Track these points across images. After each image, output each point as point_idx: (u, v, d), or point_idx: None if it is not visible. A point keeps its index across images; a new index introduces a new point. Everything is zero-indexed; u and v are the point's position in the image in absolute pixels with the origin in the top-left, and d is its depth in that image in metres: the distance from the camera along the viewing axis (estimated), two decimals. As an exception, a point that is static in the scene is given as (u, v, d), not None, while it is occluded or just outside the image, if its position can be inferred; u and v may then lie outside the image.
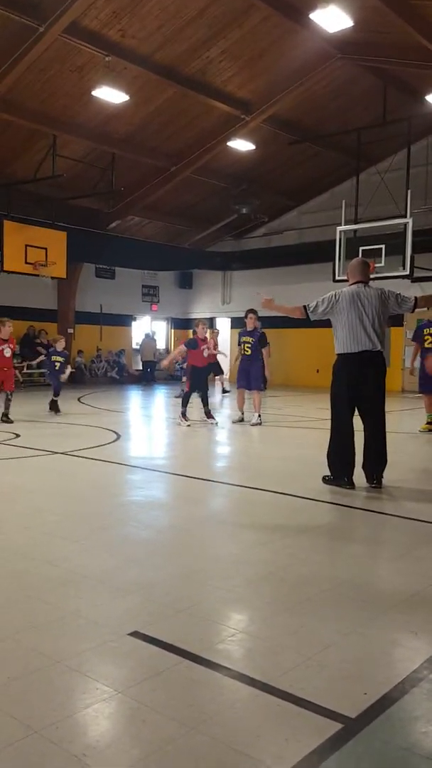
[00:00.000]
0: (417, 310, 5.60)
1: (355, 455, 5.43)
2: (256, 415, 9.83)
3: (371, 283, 5.63)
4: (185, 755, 1.87)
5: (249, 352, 10.06)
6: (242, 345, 10.12)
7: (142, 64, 11.97)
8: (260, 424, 9.71)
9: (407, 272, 13.96)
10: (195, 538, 4.02)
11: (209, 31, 11.34)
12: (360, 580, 3.30)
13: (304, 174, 17.89)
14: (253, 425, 9.65)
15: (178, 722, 2.02)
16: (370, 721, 2.02)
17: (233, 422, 10.08)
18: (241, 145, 15.33)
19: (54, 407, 10.78)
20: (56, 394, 10.89)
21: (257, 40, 11.80)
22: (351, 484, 5.35)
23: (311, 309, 5.64)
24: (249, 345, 10.05)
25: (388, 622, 2.80)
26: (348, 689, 2.22)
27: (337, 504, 4.89)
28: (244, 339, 10.12)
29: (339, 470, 5.42)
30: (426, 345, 9.20)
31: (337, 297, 5.49)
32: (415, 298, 5.49)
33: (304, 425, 10.33)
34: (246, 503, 5.07)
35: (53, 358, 11.03)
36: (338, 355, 5.48)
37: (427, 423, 9.31)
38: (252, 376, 10.01)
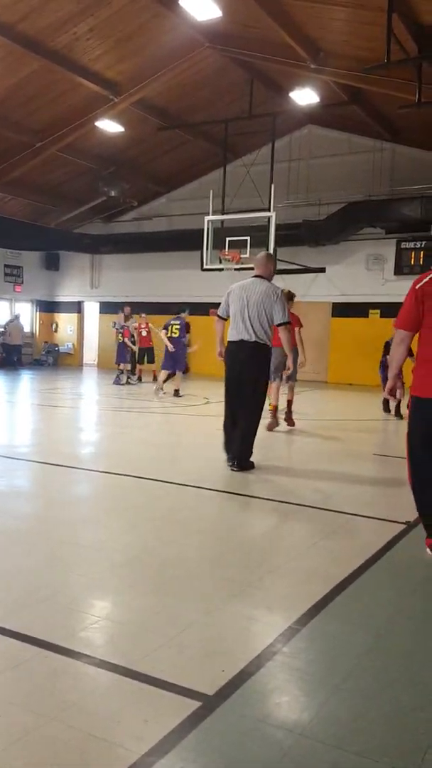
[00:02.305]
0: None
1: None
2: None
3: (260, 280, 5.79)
4: (45, 746, 1.85)
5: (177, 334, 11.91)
6: (170, 327, 11.96)
7: (5, 34, 11.36)
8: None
9: (271, 264, 14.44)
10: (58, 525, 3.95)
11: (76, 6, 10.98)
12: (221, 559, 3.42)
13: (173, 161, 17.90)
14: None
15: (38, 713, 1.99)
16: (227, 696, 2.11)
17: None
18: (110, 126, 15.04)
19: None
20: None
21: (127, 21, 11.60)
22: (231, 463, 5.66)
23: (220, 313, 5.90)
24: (177, 328, 11.91)
25: (246, 599, 2.93)
26: (207, 667, 2.30)
27: (200, 488, 5.00)
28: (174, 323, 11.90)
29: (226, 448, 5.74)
30: None
31: (229, 290, 5.78)
32: (283, 324, 5.67)
33: (173, 411, 10.43)
34: (111, 489, 5.04)
35: None
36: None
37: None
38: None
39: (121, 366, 15.16)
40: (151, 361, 15.86)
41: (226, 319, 5.86)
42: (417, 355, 3.48)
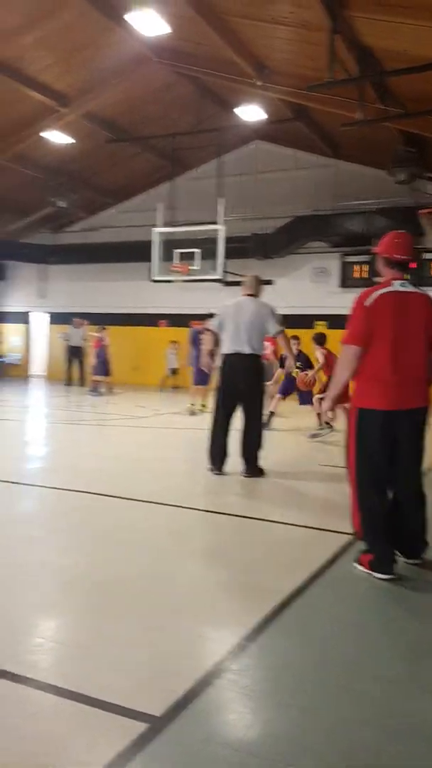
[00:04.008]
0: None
1: (222, 446, 6.08)
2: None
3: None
4: (-14, 778, 1.81)
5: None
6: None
7: None
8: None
9: (219, 276, 14.58)
10: (1, 545, 3.86)
11: (23, 17, 10.88)
12: (167, 577, 3.40)
13: (122, 173, 17.88)
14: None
15: (-21, 744, 1.94)
16: (174, 717, 2.11)
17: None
18: (58, 137, 14.93)
19: None
20: None
21: (75, 33, 11.56)
22: (218, 470, 6.05)
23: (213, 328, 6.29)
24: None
25: (194, 616, 2.93)
26: (154, 687, 2.29)
27: (147, 502, 4.97)
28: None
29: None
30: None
31: (224, 307, 6.26)
32: (281, 331, 6.15)
33: (123, 423, 10.35)
34: (58, 506, 4.96)
35: None
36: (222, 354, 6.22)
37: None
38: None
39: (99, 378, 14.97)
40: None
41: (216, 334, 6.30)
42: (363, 370, 3.49)
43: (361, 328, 3.44)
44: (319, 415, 9.03)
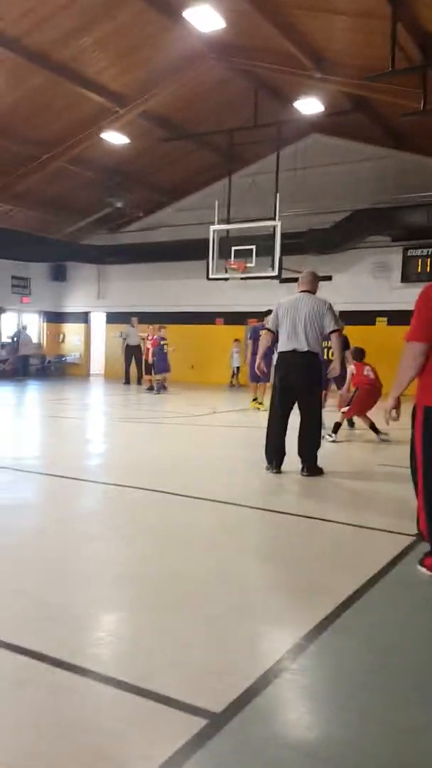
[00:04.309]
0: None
1: (279, 444, 6.03)
2: None
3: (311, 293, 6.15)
4: (50, 765, 1.84)
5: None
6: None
7: (11, 48, 11.48)
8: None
9: (276, 273, 14.48)
10: (64, 540, 3.94)
11: (81, 19, 11.08)
12: (224, 574, 3.39)
13: (178, 171, 17.99)
14: None
15: (43, 732, 1.98)
16: (234, 714, 2.09)
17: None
18: (115, 138, 15.15)
19: None
20: None
21: (131, 33, 11.70)
22: (276, 469, 6.00)
23: (270, 327, 6.22)
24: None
25: (251, 614, 2.91)
26: (213, 684, 2.28)
27: (204, 499, 4.97)
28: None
29: (268, 455, 6.08)
30: None
31: (278, 305, 6.15)
32: (336, 331, 6.04)
33: (181, 422, 10.43)
34: (118, 502, 5.03)
35: None
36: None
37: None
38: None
39: (160, 376, 15.17)
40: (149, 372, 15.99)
41: (274, 333, 6.19)
42: (429, 367, 3.31)
43: (426, 323, 3.29)
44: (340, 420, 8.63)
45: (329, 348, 7.72)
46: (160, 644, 2.58)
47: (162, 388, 15.09)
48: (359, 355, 8.61)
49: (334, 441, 8.18)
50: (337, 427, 8.35)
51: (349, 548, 3.96)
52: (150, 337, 15.48)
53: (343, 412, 8.42)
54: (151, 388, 15.47)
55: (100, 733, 1.99)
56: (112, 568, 3.45)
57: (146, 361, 15.89)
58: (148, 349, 15.68)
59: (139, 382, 17.08)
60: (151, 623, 2.79)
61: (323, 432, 8.03)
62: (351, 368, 8.47)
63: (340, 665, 2.48)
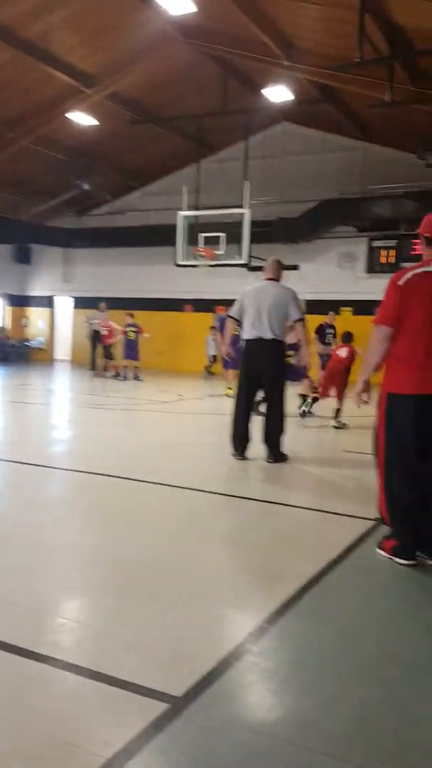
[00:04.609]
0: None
1: (244, 431, 6.06)
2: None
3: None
4: (10, 752, 1.83)
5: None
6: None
7: (-25, 22, 11.16)
8: None
9: (245, 261, 14.48)
10: (27, 527, 3.90)
11: (50, -4, 10.84)
12: (188, 559, 3.41)
13: (147, 155, 17.79)
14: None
15: (3, 718, 1.97)
16: (195, 698, 2.11)
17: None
18: (83, 119, 14.89)
19: None
20: None
21: (101, 13, 11.47)
22: (241, 455, 6.05)
23: (233, 315, 6.21)
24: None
25: (214, 599, 2.93)
26: (175, 668, 2.29)
27: (169, 485, 4.98)
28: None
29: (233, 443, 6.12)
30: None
31: (243, 293, 6.17)
32: (301, 319, 6.10)
33: (147, 408, 10.39)
34: (83, 488, 5.00)
35: None
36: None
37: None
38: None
39: (125, 362, 15.07)
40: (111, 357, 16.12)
41: (237, 321, 6.20)
42: (394, 352, 3.40)
43: (393, 308, 3.35)
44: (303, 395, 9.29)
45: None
46: (122, 630, 2.58)
47: (125, 377, 14.97)
48: (345, 338, 8.98)
49: (307, 414, 8.78)
50: (314, 401, 8.97)
51: (312, 533, 4.01)
52: (101, 323, 15.56)
53: (317, 389, 8.88)
54: (117, 375, 15.39)
55: (61, 720, 1.98)
56: (76, 555, 3.43)
57: (106, 347, 15.93)
58: (105, 336, 15.68)
59: (105, 368, 16.95)
60: (113, 609, 2.78)
61: (334, 423, 8.28)
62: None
63: (301, 648, 2.51)
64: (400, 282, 3.35)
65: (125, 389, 13.05)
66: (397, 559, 3.40)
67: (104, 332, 16.00)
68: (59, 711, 2.03)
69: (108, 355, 16.22)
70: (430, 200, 13.98)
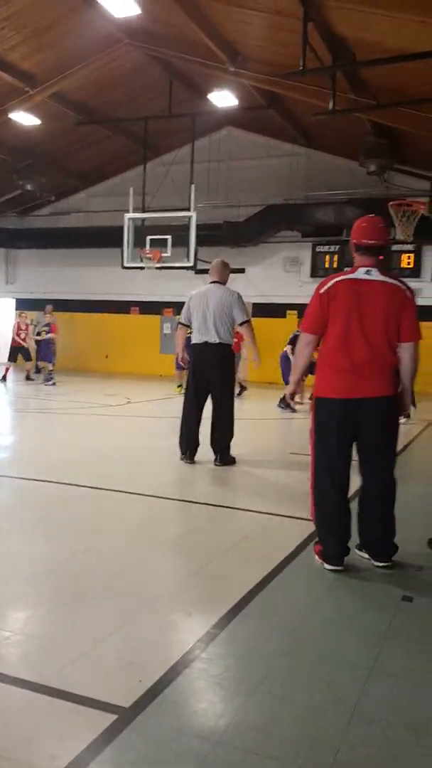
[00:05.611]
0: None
1: (193, 435, 6.09)
2: None
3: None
4: None
5: None
6: None
7: None
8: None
9: (191, 264, 14.50)
10: (-31, 537, 3.80)
11: (-9, -8, 10.60)
12: (136, 567, 3.39)
13: (92, 156, 17.61)
14: None
15: None
16: (143, 708, 2.10)
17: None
18: (25, 118, 14.61)
19: None
20: None
21: (44, 12, 11.28)
22: (189, 459, 6.08)
23: (182, 320, 6.21)
24: None
25: (163, 606, 2.92)
26: (123, 679, 2.28)
27: (116, 491, 4.94)
28: None
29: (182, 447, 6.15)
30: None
31: (189, 297, 6.14)
32: (246, 322, 6.10)
33: (93, 412, 10.27)
34: (29, 496, 4.90)
35: None
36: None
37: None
38: None
39: (43, 364, 14.67)
40: (28, 359, 15.40)
41: (188, 326, 6.20)
42: (320, 356, 3.52)
43: (315, 315, 3.46)
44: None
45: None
46: (70, 641, 2.55)
47: (48, 378, 14.32)
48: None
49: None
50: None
51: (259, 536, 4.05)
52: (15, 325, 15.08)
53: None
54: (28, 378, 14.97)
55: (5, 735, 1.94)
56: (20, 564, 3.37)
57: (20, 347, 15.13)
58: (16, 337, 15.08)
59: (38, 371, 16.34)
60: (60, 620, 2.74)
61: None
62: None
63: (249, 652, 2.54)
64: (322, 291, 3.45)
65: (70, 393, 12.86)
66: (325, 564, 3.44)
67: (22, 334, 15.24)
68: (4, 726, 1.99)
69: (27, 357, 15.56)
70: (371, 207, 14.31)
